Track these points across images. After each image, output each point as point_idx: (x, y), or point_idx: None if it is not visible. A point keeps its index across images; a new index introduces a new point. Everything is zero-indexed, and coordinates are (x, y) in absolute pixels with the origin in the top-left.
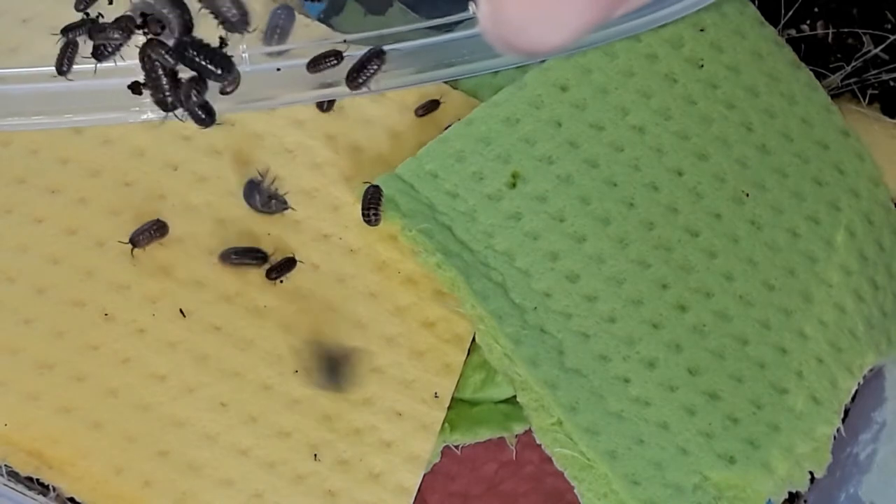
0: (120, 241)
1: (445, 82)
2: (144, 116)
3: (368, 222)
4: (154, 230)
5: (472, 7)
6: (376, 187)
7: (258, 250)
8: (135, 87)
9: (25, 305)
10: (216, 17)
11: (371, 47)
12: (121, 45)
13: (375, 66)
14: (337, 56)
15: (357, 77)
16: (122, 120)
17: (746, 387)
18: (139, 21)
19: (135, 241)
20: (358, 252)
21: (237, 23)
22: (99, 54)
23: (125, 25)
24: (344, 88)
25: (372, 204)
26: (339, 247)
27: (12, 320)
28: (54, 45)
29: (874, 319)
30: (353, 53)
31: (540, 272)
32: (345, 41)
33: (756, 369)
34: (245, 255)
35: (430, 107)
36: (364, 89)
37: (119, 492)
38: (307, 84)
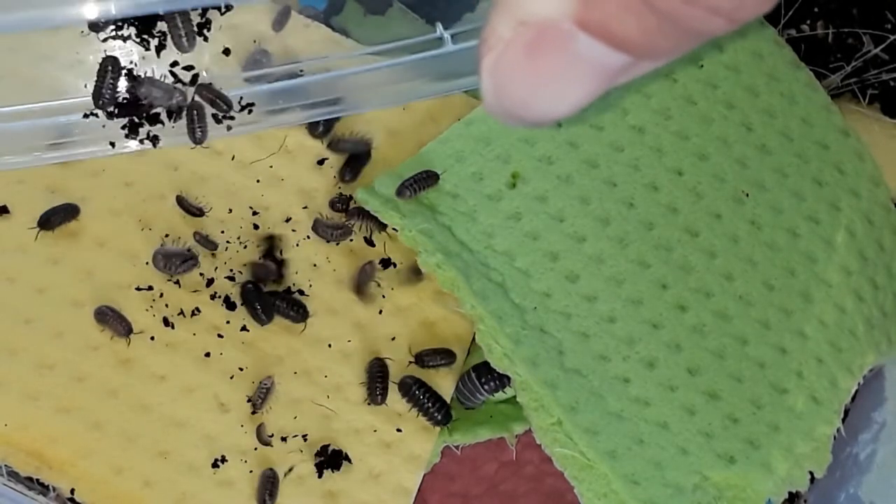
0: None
1: None
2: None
3: (400, 195)
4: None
5: (439, 28)
6: (436, 174)
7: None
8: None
9: (25, 305)
10: None
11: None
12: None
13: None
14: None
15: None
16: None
17: (746, 387)
18: None
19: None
20: (358, 252)
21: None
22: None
23: None
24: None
25: (418, 184)
26: (339, 247)
27: (12, 320)
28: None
29: (874, 319)
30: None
31: (540, 272)
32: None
33: (756, 369)
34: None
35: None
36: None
37: (119, 492)
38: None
